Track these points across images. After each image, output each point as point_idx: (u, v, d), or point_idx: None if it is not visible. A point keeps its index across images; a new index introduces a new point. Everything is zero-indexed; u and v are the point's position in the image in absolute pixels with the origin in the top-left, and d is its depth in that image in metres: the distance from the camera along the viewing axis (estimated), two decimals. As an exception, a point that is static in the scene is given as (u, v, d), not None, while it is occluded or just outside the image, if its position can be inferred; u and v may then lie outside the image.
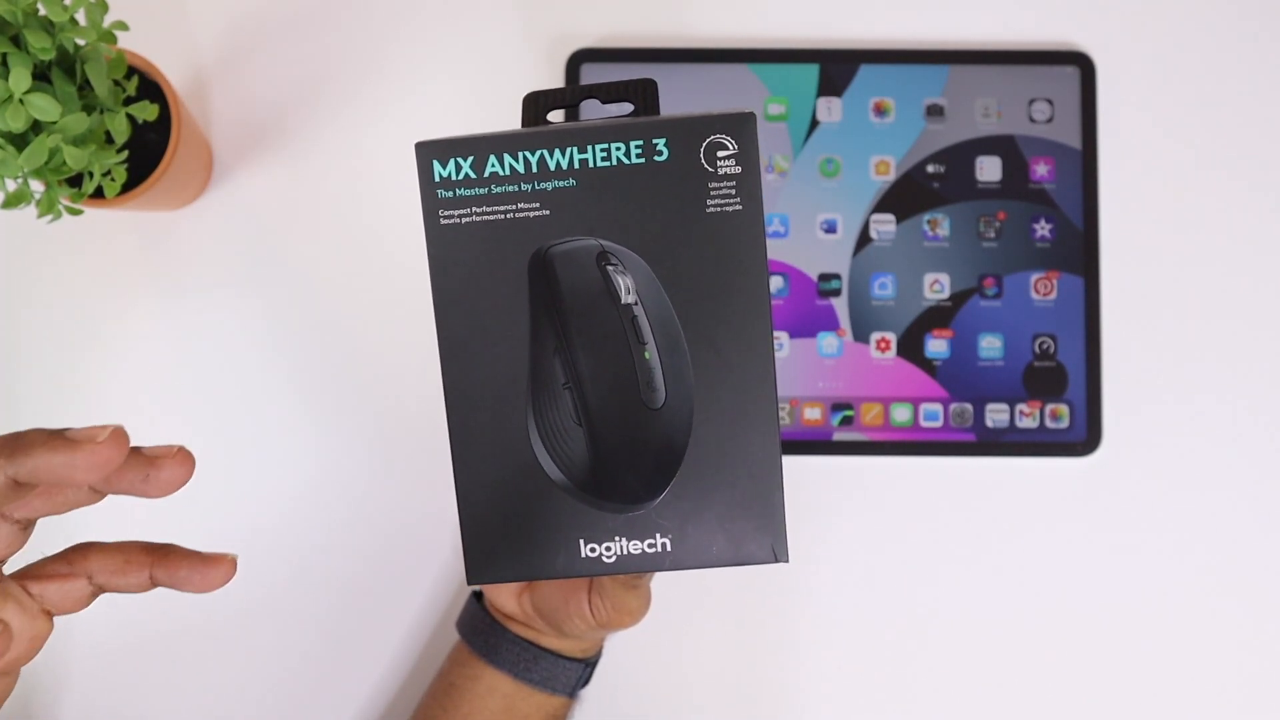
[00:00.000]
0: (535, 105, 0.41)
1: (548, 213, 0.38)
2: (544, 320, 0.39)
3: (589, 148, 0.38)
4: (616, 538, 0.39)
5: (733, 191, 0.38)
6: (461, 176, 0.39)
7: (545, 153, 0.38)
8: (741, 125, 0.38)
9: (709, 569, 0.40)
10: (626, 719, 0.65)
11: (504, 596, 0.55)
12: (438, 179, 0.39)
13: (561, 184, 0.38)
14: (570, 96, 0.41)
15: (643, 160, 0.38)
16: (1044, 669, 0.65)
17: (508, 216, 0.39)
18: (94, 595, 0.35)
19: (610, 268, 0.39)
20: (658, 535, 0.39)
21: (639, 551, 0.39)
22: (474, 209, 0.39)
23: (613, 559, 0.39)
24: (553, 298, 0.39)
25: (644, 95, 0.41)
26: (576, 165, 0.38)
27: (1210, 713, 0.65)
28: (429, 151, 0.39)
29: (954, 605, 0.65)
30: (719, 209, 0.39)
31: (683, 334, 0.39)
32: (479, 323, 0.39)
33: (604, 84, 0.41)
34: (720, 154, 0.38)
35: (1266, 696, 0.65)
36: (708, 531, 0.39)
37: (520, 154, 0.38)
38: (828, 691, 0.65)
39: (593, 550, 0.39)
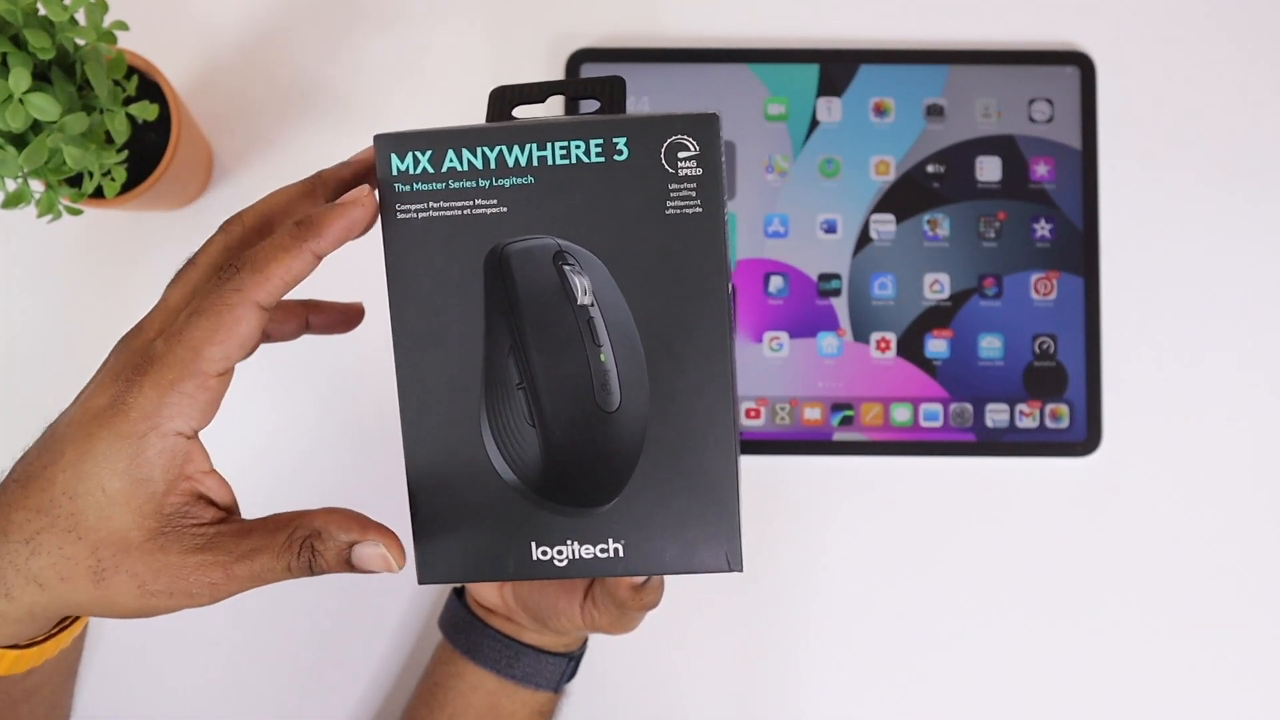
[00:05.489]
0: (501, 100, 0.40)
1: (505, 210, 0.38)
2: (499, 319, 0.38)
3: (548, 145, 0.38)
4: (569, 541, 0.39)
5: (693, 194, 0.38)
6: (419, 171, 0.38)
7: (504, 149, 0.38)
8: (704, 126, 0.38)
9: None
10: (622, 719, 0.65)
11: (485, 589, 0.55)
12: (395, 172, 0.38)
13: (520, 181, 0.38)
14: (536, 92, 0.40)
15: (602, 159, 0.38)
16: (1044, 668, 0.65)
17: (465, 213, 0.38)
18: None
19: (567, 267, 0.38)
20: (610, 540, 0.39)
21: (591, 556, 0.39)
22: (431, 204, 0.38)
23: (564, 563, 0.39)
24: (508, 297, 0.38)
25: (610, 93, 0.40)
26: (535, 163, 0.38)
27: (1211, 711, 0.65)
28: (387, 144, 0.38)
29: (953, 605, 0.65)
30: (679, 211, 0.38)
31: (639, 337, 0.38)
32: (434, 320, 0.38)
33: (571, 80, 0.41)
34: (681, 155, 0.38)
35: (1267, 695, 0.65)
36: (661, 538, 0.39)
37: (479, 149, 0.38)
38: (827, 690, 0.65)
39: (544, 553, 0.39)
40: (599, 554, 0.39)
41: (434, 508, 0.39)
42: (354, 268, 0.65)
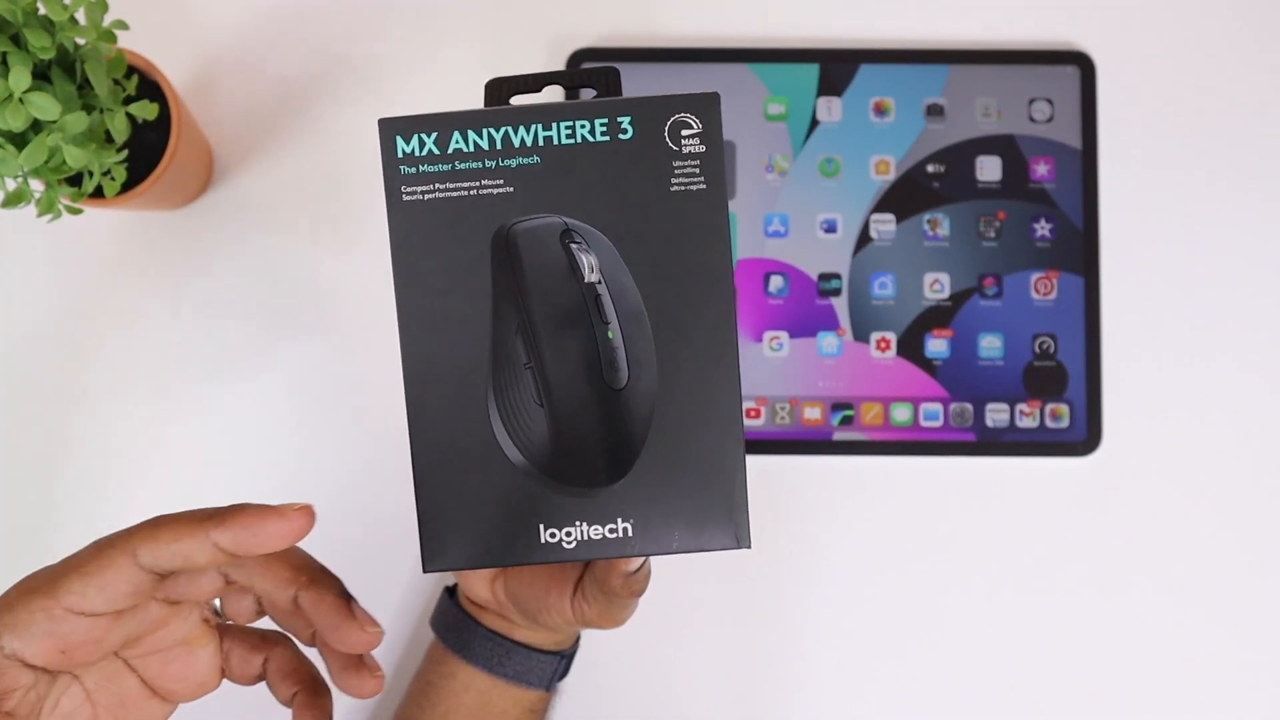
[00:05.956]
0: (498, 91, 0.41)
1: (511, 190, 0.38)
2: (506, 299, 0.38)
3: (554, 125, 0.38)
4: (577, 522, 0.39)
5: (697, 171, 0.38)
6: (425, 153, 0.38)
7: (510, 130, 0.38)
8: (706, 105, 0.38)
9: (678, 555, 0.39)
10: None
11: (476, 584, 0.54)
12: (400, 155, 0.38)
13: (526, 161, 0.38)
14: (532, 83, 0.40)
15: (607, 138, 0.38)
16: (1043, 668, 0.65)
17: (471, 193, 0.38)
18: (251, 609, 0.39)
19: (574, 246, 0.38)
20: (619, 520, 0.39)
21: (600, 537, 0.39)
22: (437, 185, 0.38)
23: (573, 544, 0.39)
24: (515, 276, 0.38)
25: (606, 82, 0.41)
26: (541, 142, 0.38)
27: (1212, 709, 0.65)
28: (392, 127, 0.38)
29: (954, 605, 0.65)
30: (683, 188, 0.38)
31: (646, 313, 0.38)
32: (440, 301, 0.38)
33: (566, 70, 0.41)
34: (685, 133, 0.38)
35: (1268, 695, 0.65)
36: (670, 516, 0.39)
37: (485, 131, 0.38)
38: (826, 690, 0.65)
39: (552, 535, 0.39)
40: (608, 534, 0.39)
41: (440, 493, 0.39)
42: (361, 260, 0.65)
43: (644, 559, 0.42)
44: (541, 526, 0.39)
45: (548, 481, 0.39)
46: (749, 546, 0.39)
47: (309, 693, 0.38)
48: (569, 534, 0.39)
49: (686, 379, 0.38)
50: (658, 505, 0.39)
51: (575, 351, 0.39)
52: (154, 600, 0.36)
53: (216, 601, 0.38)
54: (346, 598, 0.37)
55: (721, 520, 0.39)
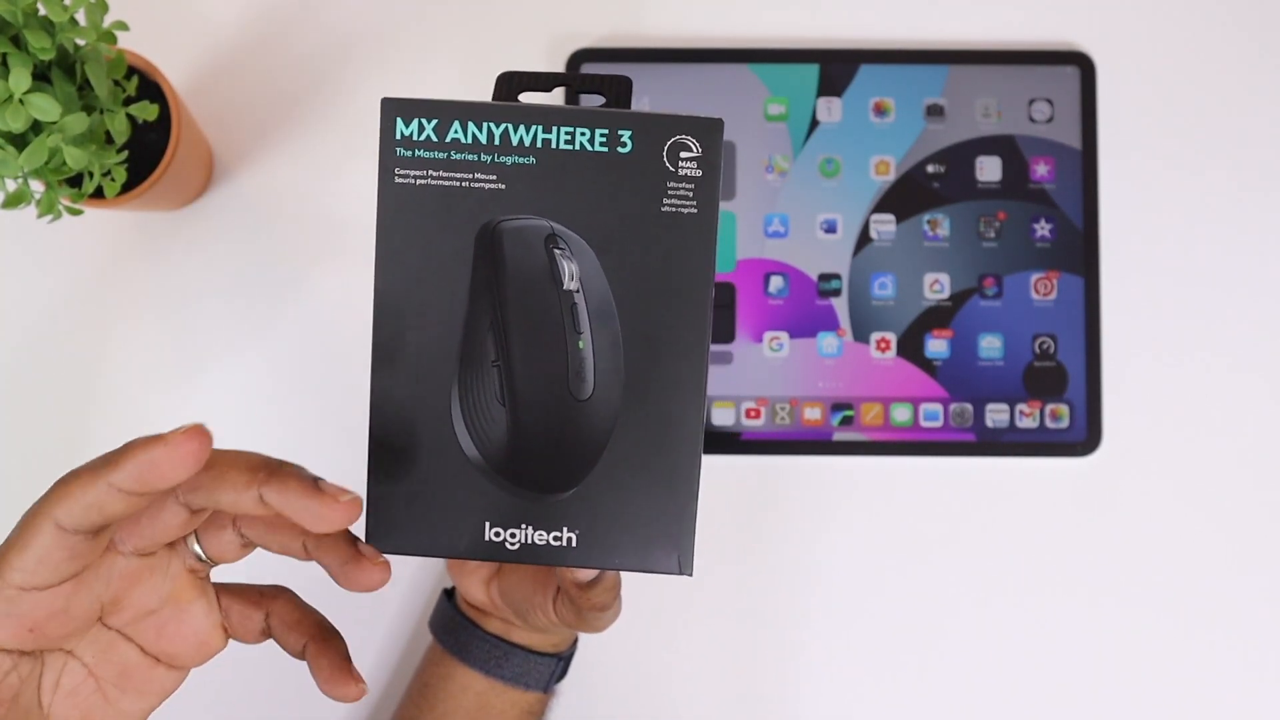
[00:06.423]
0: (508, 84, 0.41)
1: (503, 187, 0.38)
2: (483, 294, 0.39)
3: (554, 128, 0.38)
4: (523, 525, 0.39)
5: (690, 194, 0.38)
6: (423, 138, 0.38)
7: (509, 126, 0.38)
8: (708, 130, 0.38)
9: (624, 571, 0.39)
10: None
11: (473, 586, 0.54)
12: (399, 137, 0.38)
13: (521, 160, 0.38)
14: (544, 81, 0.41)
15: (605, 149, 0.38)
16: (1044, 668, 0.65)
17: (463, 185, 0.38)
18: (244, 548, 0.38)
19: (557, 251, 0.39)
20: (565, 529, 0.39)
21: (544, 543, 0.39)
22: (430, 172, 0.38)
23: (516, 546, 0.39)
24: (495, 273, 0.38)
25: (617, 91, 0.41)
26: (539, 144, 0.38)
27: (1211, 710, 0.65)
28: (394, 108, 0.38)
29: (954, 605, 0.65)
30: (674, 209, 0.38)
31: (620, 329, 0.39)
32: (418, 287, 0.39)
33: (579, 74, 0.41)
34: (683, 155, 0.38)
35: (1268, 695, 0.65)
36: (615, 533, 0.39)
37: (484, 124, 0.38)
38: (825, 690, 0.65)
39: (497, 535, 0.39)
40: (551, 541, 0.39)
41: (393, 475, 0.39)
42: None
43: (599, 572, 0.42)
44: (488, 524, 0.39)
45: (500, 481, 0.39)
46: (690, 574, 0.39)
47: (319, 640, 0.38)
48: (514, 535, 0.39)
49: (652, 400, 0.39)
50: (605, 520, 0.39)
51: (544, 356, 0.39)
52: (118, 555, 0.35)
53: (198, 550, 0.37)
54: (310, 478, 0.34)
55: (666, 544, 0.39)
